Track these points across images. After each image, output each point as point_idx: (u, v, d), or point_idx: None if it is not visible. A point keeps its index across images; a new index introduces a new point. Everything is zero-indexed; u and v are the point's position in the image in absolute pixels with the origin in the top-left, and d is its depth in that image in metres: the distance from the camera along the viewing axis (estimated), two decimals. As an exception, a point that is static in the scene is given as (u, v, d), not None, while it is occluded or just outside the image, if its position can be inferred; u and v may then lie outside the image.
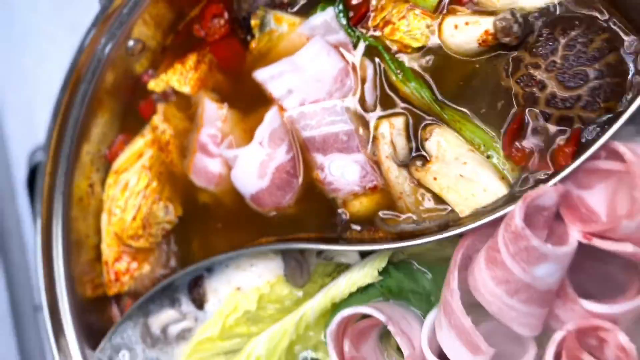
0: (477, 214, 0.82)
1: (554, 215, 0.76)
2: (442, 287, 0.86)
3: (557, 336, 0.76)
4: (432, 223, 0.86)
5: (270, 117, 0.95)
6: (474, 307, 0.80)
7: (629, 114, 0.71)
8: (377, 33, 0.90)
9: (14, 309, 1.43)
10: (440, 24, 0.86)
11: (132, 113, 1.12)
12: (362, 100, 0.92)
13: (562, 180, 0.75)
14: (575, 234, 0.73)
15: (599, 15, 0.78)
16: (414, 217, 0.88)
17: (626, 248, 0.68)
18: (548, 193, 0.72)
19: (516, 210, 0.71)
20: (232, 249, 0.98)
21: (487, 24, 0.82)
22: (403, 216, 0.89)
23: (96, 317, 1.11)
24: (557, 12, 0.80)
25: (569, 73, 0.77)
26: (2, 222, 1.43)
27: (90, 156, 1.10)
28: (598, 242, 0.70)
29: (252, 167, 0.96)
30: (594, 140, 0.75)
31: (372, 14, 0.91)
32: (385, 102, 0.91)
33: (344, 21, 0.93)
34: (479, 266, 0.78)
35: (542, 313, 0.77)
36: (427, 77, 0.88)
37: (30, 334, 1.43)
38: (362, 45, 0.92)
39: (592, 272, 0.79)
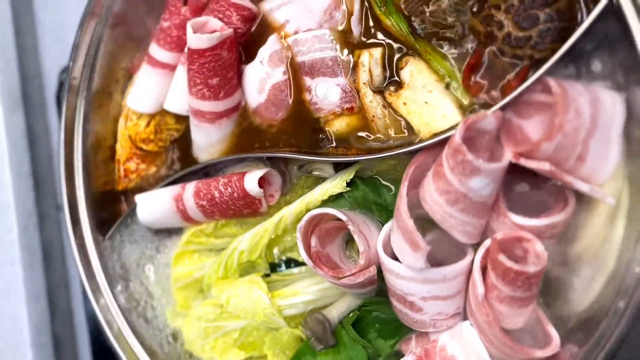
0: (433, 137, 0.96)
1: (494, 139, 0.90)
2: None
3: (486, 243, 0.91)
4: (395, 142, 1.00)
5: (272, 41, 1.10)
6: (423, 219, 0.95)
7: (562, 52, 0.83)
8: (366, -30, 1.03)
9: (39, 208, 1.61)
10: (419, -35, 0.98)
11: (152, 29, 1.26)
12: (347, 31, 1.05)
13: (504, 109, 0.88)
14: (507, 154, 0.86)
15: (555, -35, 0.89)
16: (382, 137, 1.02)
17: (544, 166, 0.82)
18: (488, 118, 0.85)
19: (457, 129, 0.84)
20: (228, 155, 1.14)
21: (460, -33, 0.94)
22: (373, 136, 1.03)
23: (107, 209, 1.29)
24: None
25: (523, 15, 0.89)
26: (33, 129, 1.61)
27: (112, 68, 1.26)
28: (523, 161, 0.84)
29: (253, 81, 1.11)
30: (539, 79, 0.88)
31: (362, -48, 1.02)
32: (368, 34, 1.03)
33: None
34: (428, 179, 0.92)
35: (478, 223, 0.92)
36: (406, 13, 1.00)
37: (52, 230, 1.63)
38: (351, -19, 1.04)
39: (527, 194, 0.93)
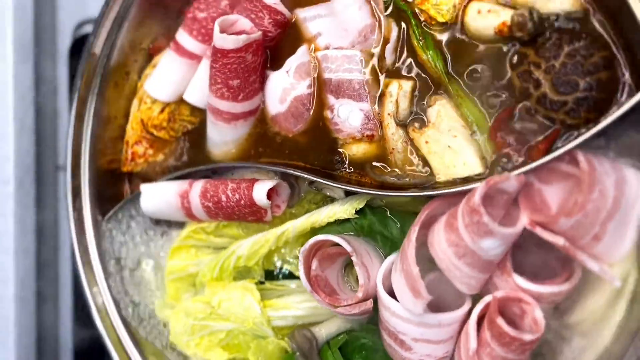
0: (450, 183, 0.95)
1: (513, 199, 0.89)
2: (405, 235, 1.01)
3: (486, 299, 0.91)
4: (412, 180, 0.99)
5: (301, 52, 1.07)
6: (427, 259, 0.95)
7: (597, 130, 0.81)
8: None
9: (38, 165, 1.59)
10: (466, 6, 0.95)
11: (180, 11, 1.22)
12: (380, 58, 1.02)
13: (526, 172, 0.87)
14: (524, 219, 0.86)
15: (605, 36, 0.87)
16: (399, 172, 1.01)
17: (558, 241, 0.81)
18: (510, 180, 0.85)
19: (478, 188, 0.83)
20: (240, 160, 1.13)
21: (506, 15, 0.92)
22: (390, 169, 1.02)
23: (109, 188, 1.28)
24: (572, 24, 0.88)
25: (563, 79, 0.87)
26: (41, 83, 1.57)
27: (133, 47, 1.23)
28: (539, 230, 0.83)
29: (276, 90, 1.09)
30: (565, 145, 0.87)
31: (410, -20, 0.99)
32: (402, 65, 1.01)
33: (382, -21, 1.02)
34: (439, 226, 0.92)
35: (482, 278, 0.92)
36: (445, 50, 0.98)
37: (48, 190, 1.61)
38: (391, 7, 1.01)
39: (535, 256, 0.92)
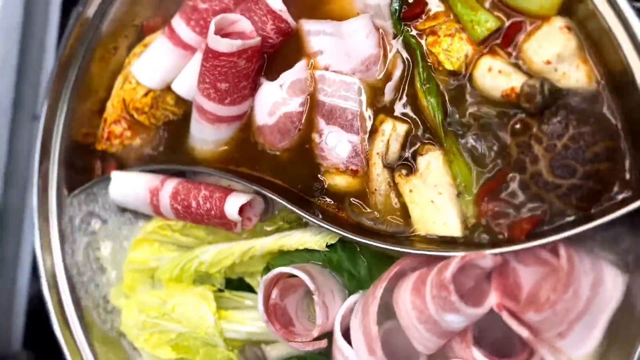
0: (426, 238, 0.92)
1: (485, 275, 0.86)
2: (372, 277, 0.99)
3: (441, 367, 0.89)
4: (388, 228, 0.95)
5: (299, 68, 1.01)
6: (390, 304, 0.93)
7: (583, 229, 0.78)
8: (422, 37, 0.94)
9: (15, 111, 1.53)
10: (477, 59, 0.89)
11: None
12: (379, 91, 0.97)
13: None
14: (492, 299, 0.83)
15: (614, 125, 0.82)
16: (377, 215, 0.97)
17: (523, 333, 0.79)
18: (486, 259, 0.81)
19: (452, 263, 0.80)
20: (218, 162, 1.08)
21: (516, 81, 0.86)
22: (368, 210, 0.98)
23: (80, 162, 1.23)
24: (583, 104, 0.83)
25: (562, 162, 0.83)
26: (28, 34, 1.49)
27: (123, 22, 1.16)
28: (505, 316, 0.81)
29: (266, 102, 1.03)
30: (550, 230, 0.83)
31: (424, 18, 0.93)
32: (400, 105, 0.96)
33: (396, 8, 0.95)
34: (406, 285, 0.89)
35: (440, 342, 0.90)
36: (447, 100, 0.92)
37: (21, 137, 1.56)
38: (401, 41, 0.95)
39: (498, 330, 0.90)
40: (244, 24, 1.01)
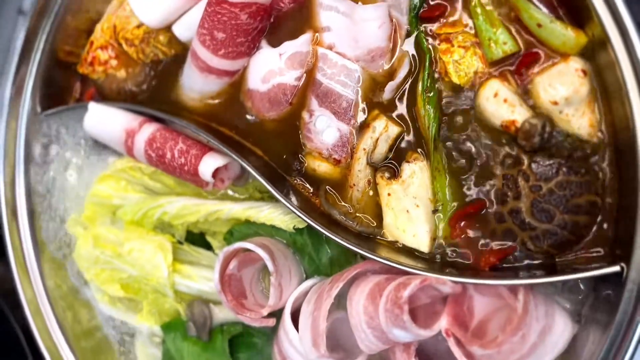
0: (392, 246, 0.92)
1: (441, 297, 0.87)
2: (332, 266, 0.99)
3: (379, 372, 0.91)
4: (358, 226, 0.94)
5: (302, 40, 0.97)
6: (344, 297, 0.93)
7: (550, 280, 0.79)
8: (435, 42, 0.90)
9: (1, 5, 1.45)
10: (486, 80, 0.86)
11: None
12: (379, 85, 0.93)
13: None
14: (443, 323, 0.84)
15: (603, 182, 0.81)
16: (350, 209, 0.96)
17: (464, 363, 0.81)
18: (445, 285, 0.82)
19: (411, 284, 0.80)
20: (201, 116, 1.04)
21: (519, 115, 0.84)
22: (342, 202, 0.97)
23: (57, 80, 1.17)
24: (579, 154, 0.82)
25: (543, 206, 0.82)
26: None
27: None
28: (451, 343, 0.82)
29: (262, 68, 0.99)
30: (514, 267, 0.84)
31: (442, 22, 0.89)
32: (397, 105, 0.93)
33: (416, 5, 0.90)
34: (363, 288, 0.89)
35: (383, 347, 0.92)
36: (444, 114, 0.90)
37: (7, 32, 1.48)
38: (413, 41, 0.91)
39: (442, 349, 0.92)
40: None
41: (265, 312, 0.97)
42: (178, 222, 1.09)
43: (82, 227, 1.17)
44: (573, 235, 0.83)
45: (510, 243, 0.86)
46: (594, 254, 0.82)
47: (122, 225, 1.15)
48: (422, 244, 0.90)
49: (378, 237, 0.95)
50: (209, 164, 1.01)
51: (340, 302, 0.96)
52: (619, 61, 0.75)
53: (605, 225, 0.82)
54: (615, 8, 0.73)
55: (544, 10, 0.82)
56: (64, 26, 1.14)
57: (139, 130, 1.06)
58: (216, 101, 1.06)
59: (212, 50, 0.99)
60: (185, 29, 1.06)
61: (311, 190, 0.99)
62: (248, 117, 1.04)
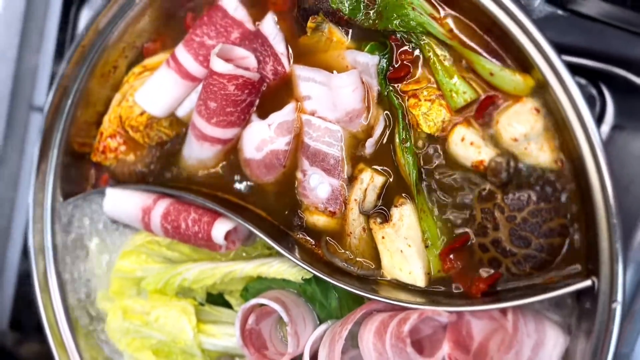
0: (393, 284, 1.02)
1: (443, 325, 0.96)
2: (342, 309, 1.09)
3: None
4: (359, 270, 1.05)
5: (287, 110, 1.09)
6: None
7: (530, 300, 0.88)
8: (403, 100, 1.01)
9: (13, 100, 1.59)
10: (453, 127, 0.97)
11: (178, 21, 1.21)
12: (360, 142, 1.05)
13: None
14: (445, 349, 0.93)
15: (570, 206, 0.91)
16: (350, 255, 1.06)
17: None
18: (442, 316, 0.91)
19: (410, 318, 0.90)
20: (205, 193, 1.16)
21: (485, 155, 0.95)
22: (342, 250, 1.07)
23: (75, 170, 1.30)
24: (544, 182, 0.92)
25: (520, 233, 0.92)
26: (28, 25, 1.54)
27: (125, 44, 1.22)
28: (454, 368, 0.91)
29: (255, 138, 1.11)
30: (504, 291, 0.93)
31: (408, 81, 1.00)
32: (378, 156, 1.04)
33: (383, 67, 1.02)
34: (370, 327, 0.99)
35: (396, 379, 1.00)
36: (422, 160, 1.01)
37: (19, 126, 1.62)
38: (384, 99, 1.03)
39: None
40: (250, 60, 1.10)
41: (285, 359, 1.06)
42: (197, 286, 1.20)
43: (110, 302, 1.28)
44: (550, 256, 0.92)
45: (496, 270, 0.96)
46: (572, 272, 0.91)
47: (146, 295, 1.26)
48: (418, 280, 1.00)
49: (378, 277, 1.04)
50: (220, 229, 1.12)
51: (353, 341, 1.06)
52: (560, 100, 0.86)
53: (577, 245, 0.92)
54: (548, 57, 0.85)
55: (494, 60, 0.93)
56: (75, 121, 1.27)
57: (154, 207, 1.17)
58: (216, 170, 1.18)
59: (206, 119, 1.11)
60: (186, 109, 1.18)
61: (313, 243, 1.10)
62: (248, 183, 1.16)
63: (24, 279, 1.63)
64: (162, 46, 1.23)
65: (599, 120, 1.14)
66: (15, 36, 1.58)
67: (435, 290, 0.99)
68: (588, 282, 0.85)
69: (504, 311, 0.92)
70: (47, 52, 1.61)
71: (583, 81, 1.14)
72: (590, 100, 1.12)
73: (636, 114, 1.13)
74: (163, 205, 1.17)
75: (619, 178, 1.03)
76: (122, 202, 1.20)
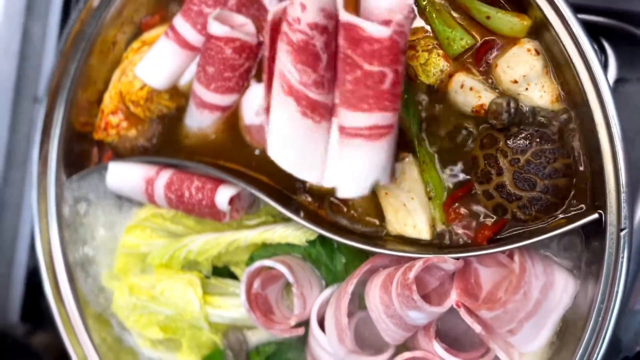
0: (398, 239, 1.01)
1: (450, 275, 0.95)
2: (348, 271, 1.08)
3: (405, 355, 0.98)
4: (363, 228, 1.04)
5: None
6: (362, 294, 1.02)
7: (539, 238, 0.87)
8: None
9: (17, 92, 1.61)
10: (452, 75, 0.97)
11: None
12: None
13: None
14: (453, 297, 0.92)
15: (573, 144, 0.90)
16: (354, 214, 1.06)
17: (476, 328, 0.89)
18: (448, 263, 0.90)
19: (415, 266, 0.89)
20: (206, 161, 1.16)
21: (486, 99, 0.94)
22: (346, 209, 1.06)
23: (78, 149, 1.31)
24: (547, 122, 0.91)
25: (523, 176, 0.91)
26: (31, 18, 1.56)
27: (123, 19, 1.23)
28: (462, 312, 0.90)
29: (254, 103, 1.11)
30: (510, 237, 0.92)
31: (405, 32, 1.00)
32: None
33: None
34: (377, 282, 0.98)
35: (407, 335, 0.99)
36: (422, 112, 1.00)
37: (24, 120, 1.63)
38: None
39: (460, 326, 0.99)
40: (249, 27, 1.10)
41: (293, 321, 1.05)
42: (202, 257, 1.19)
43: (117, 280, 1.28)
44: (556, 198, 0.91)
45: (502, 215, 0.94)
46: (579, 211, 0.90)
47: (152, 272, 1.25)
48: (423, 232, 0.99)
49: (383, 234, 1.03)
50: (224, 194, 1.12)
51: (361, 302, 1.05)
52: (561, 38, 0.85)
53: (583, 183, 0.90)
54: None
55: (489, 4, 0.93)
56: (76, 101, 1.28)
57: (157, 177, 1.17)
58: (216, 137, 1.18)
59: (205, 85, 1.12)
60: (187, 77, 1.19)
61: (317, 204, 1.09)
62: (250, 149, 1.15)
63: (35, 269, 1.63)
64: (161, 20, 1.24)
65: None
66: (17, 29, 1.60)
67: (441, 244, 0.98)
68: (595, 215, 0.84)
69: (511, 256, 0.90)
70: (50, 45, 1.63)
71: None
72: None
73: (638, 66, 1.12)
74: (166, 175, 1.17)
75: (625, 130, 1.02)
76: (125, 175, 1.20)
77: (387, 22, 0.78)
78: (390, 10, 0.79)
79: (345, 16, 0.79)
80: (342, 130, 0.85)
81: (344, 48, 0.81)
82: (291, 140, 0.88)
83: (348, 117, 0.84)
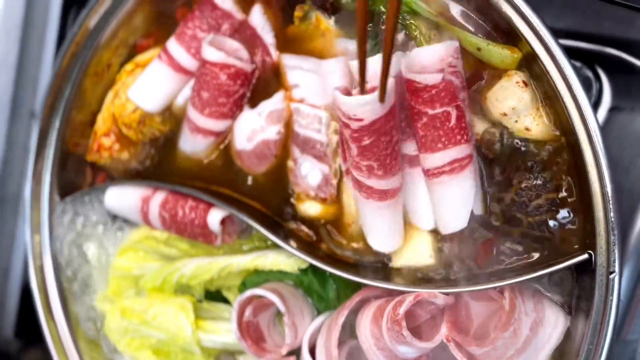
0: (404, 271, 1.00)
1: (441, 308, 0.95)
2: (340, 300, 1.08)
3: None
4: (365, 260, 1.03)
5: (277, 99, 1.09)
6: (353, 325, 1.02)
7: (530, 277, 0.87)
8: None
9: (14, 105, 1.61)
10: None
11: (170, 17, 1.22)
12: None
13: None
14: (443, 331, 0.92)
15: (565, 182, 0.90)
16: (355, 245, 1.05)
17: (464, 363, 0.89)
18: (438, 298, 0.90)
19: (405, 301, 0.89)
20: (200, 187, 1.16)
21: (478, 128, 0.94)
22: (345, 242, 1.06)
23: (71, 171, 1.31)
24: (534, 160, 0.91)
25: (511, 214, 0.91)
26: (28, 32, 1.56)
27: (118, 41, 1.23)
28: (452, 347, 0.90)
29: (246, 128, 1.11)
30: (503, 270, 0.92)
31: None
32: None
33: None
34: (367, 313, 0.98)
35: (397, 367, 0.99)
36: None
37: (20, 134, 1.64)
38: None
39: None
40: (242, 53, 1.11)
41: (284, 351, 1.06)
42: (195, 282, 1.19)
43: (110, 302, 1.28)
44: (544, 234, 0.91)
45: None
46: (569, 249, 0.90)
47: (145, 294, 1.26)
48: (427, 258, 0.97)
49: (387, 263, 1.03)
50: (215, 215, 1.13)
51: (352, 331, 1.05)
52: (549, 71, 0.85)
53: (574, 220, 0.90)
54: (536, 30, 0.85)
55: (480, 36, 0.93)
56: (70, 122, 1.29)
57: (152, 196, 1.19)
58: (209, 162, 1.18)
59: (199, 110, 1.12)
60: (183, 98, 1.19)
61: (309, 233, 1.09)
62: (242, 174, 1.16)
63: (28, 286, 1.64)
64: (155, 42, 1.24)
65: (597, 102, 1.13)
66: (14, 42, 1.60)
67: (432, 278, 0.98)
68: (585, 256, 0.84)
69: (502, 291, 0.90)
70: (47, 59, 1.63)
71: (578, 64, 1.13)
72: (586, 83, 1.11)
73: (633, 94, 1.12)
74: (162, 194, 1.19)
75: (619, 159, 1.02)
76: (123, 194, 1.21)
77: (440, 70, 0.87)
78: (441, 59, 0.87)
79: (406, 75, 0.88)
80: (427, 173, 0.92)
81: (409, 100, 0.90)
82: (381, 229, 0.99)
83: (428, 160, 0.91)
